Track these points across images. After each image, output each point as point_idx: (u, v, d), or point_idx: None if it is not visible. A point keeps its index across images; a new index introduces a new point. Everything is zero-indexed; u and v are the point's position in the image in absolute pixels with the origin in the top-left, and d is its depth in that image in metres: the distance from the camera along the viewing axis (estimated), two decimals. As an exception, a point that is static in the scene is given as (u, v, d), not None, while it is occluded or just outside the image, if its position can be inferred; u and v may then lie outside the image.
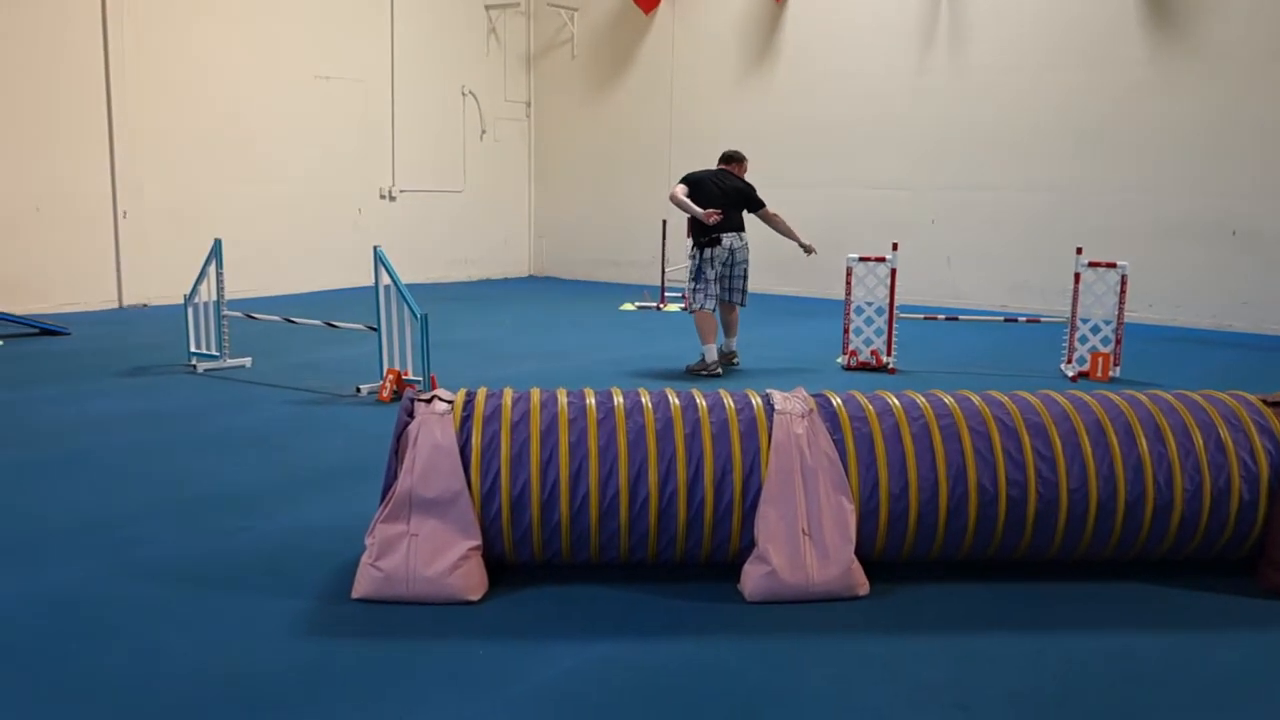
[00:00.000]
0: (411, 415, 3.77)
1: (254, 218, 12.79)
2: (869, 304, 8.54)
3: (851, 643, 3.40)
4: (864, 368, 8.47)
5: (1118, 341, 8.16)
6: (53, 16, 10.97)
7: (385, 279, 6.92)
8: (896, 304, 8.45)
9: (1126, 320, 8.30)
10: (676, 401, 3.91)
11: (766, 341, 9.80)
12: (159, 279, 11.81)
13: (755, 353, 9.00)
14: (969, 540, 3.85)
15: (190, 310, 8.07)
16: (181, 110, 12.13)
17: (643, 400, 3.90)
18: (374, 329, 7.14)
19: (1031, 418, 3.93)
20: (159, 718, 2.85)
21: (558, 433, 3.73)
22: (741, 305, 8.42)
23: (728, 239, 8.05)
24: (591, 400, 3.88)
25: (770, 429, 3.80)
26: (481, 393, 3.91)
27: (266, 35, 12.95)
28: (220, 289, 7.95)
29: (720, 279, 8.15)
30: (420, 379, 6.84)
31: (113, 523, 4.46)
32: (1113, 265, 8.24)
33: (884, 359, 8.43)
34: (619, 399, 3.90)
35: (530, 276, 17.00)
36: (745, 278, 8.32)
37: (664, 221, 13.05)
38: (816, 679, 3.15)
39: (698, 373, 8.12)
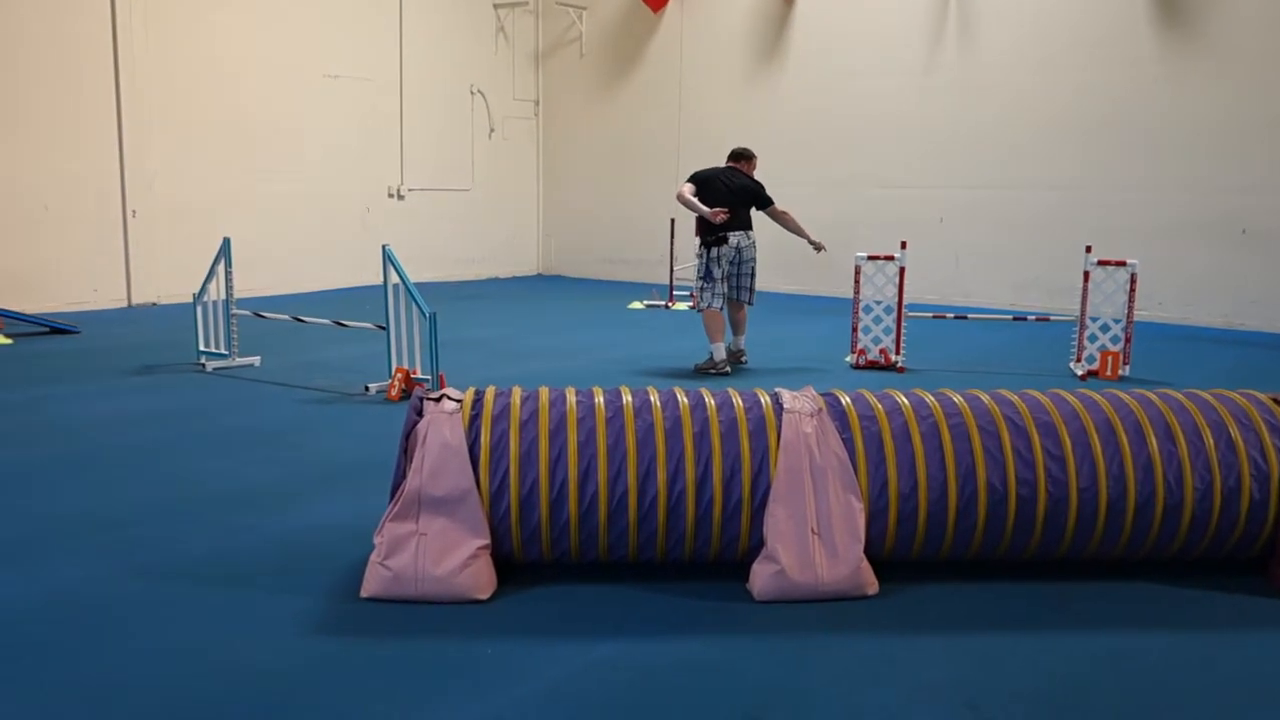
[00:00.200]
0: (420, 414, 3.77)
1: (263, 216, 12.82)
2: (878, 302, 8.53)
3: (860, 642, 3.39)
4: (873, 366, 8.45)
5: (1127, 340, 8.14)
6: (62, 15, 11.00)
7: (394, 278, 6.93)
8: (905, 302, 8.43)
9: (1136, 319, 8.27)
10: (685, 400, 3.91)
11: (775, 340, 9.79)
12: (168, 278, 11.85)
13: (763, 351, 8.99)
14: (978, 540, 3.85)
15: (199, 309, 8.08)
16: (191, 109, 12.16)
17: (651, 399, 3.90)
18: (383, 328, 7.15)
19: (1041, 417, 3.92)
20: (168, 716, 2.86)
21: (566, 431, 3.73)
22: (750, 304, 8.41)
23: (735, 238, 8.04)
24: (600, 399, 3.88)
25: (779, 428, 3.79)
26: (490, 391, 3.91)
27: (276, 34, 12.98)
28: (229, 288, 7.97)
29: (728, 277, 8.14)
30: (429, 378, 6.85)
31: (122, 521, 4.47)
32: (1122, 264, 8.22)
33: (893, 358, 8.41)
34: (627, 398, 3.90)
35: (538, 275, 17.01)
36: (753, 276, 8.31)
37: (672, 220, 13.06)
38: (825, 678, 3.14)
39: (706, 371, 8.11)
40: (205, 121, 12.31)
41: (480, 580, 3.63)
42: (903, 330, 8.42)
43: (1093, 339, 8.32)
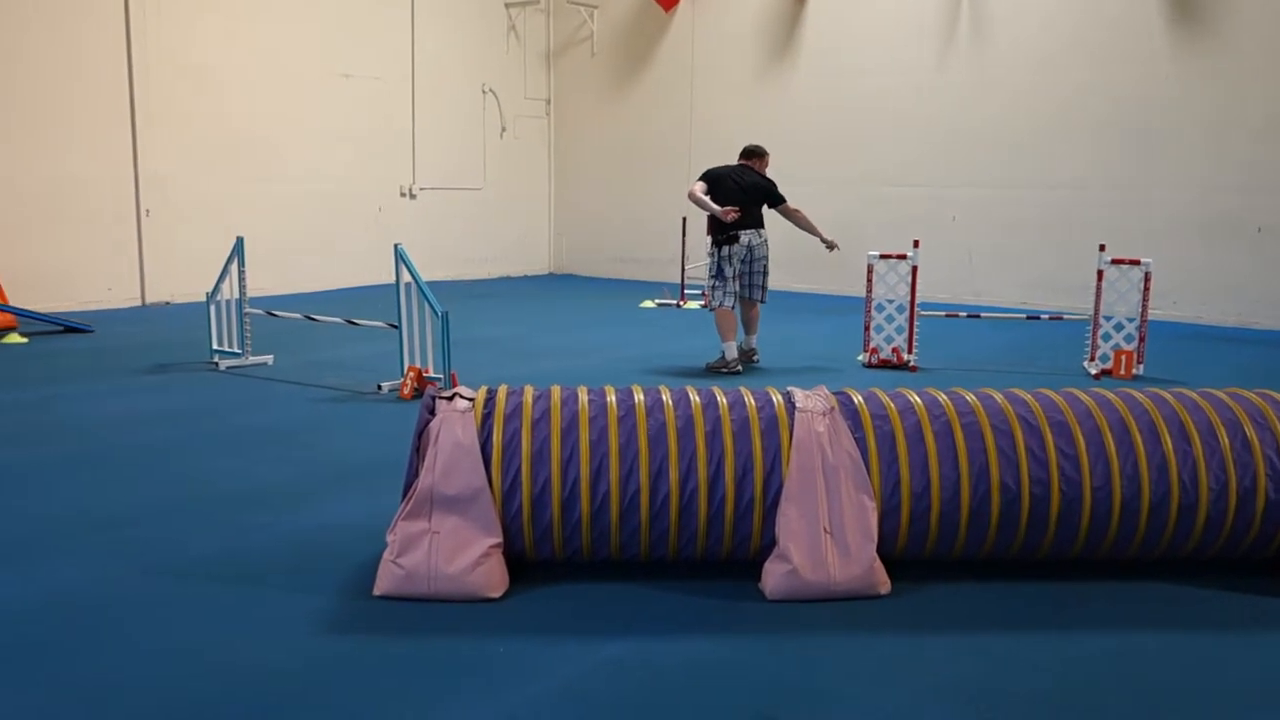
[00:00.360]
0: (433, 413, 3.77)
1: (276, 216, 12.87)
2: (890, 301, 8.51)
3: (873, 642, 3.39)
4: (885, 365, 8.44)
5: (1141, 339, 8.10)
6: (76, 17, 11.05)
7: (406, 276, 6.94)
8: (918, 301, 8.41)
9: (1150, 318, 8.24)
10: (697, 399, 3.90)
11: (787, 339, 9.78)
12: (181, 277, 11.89)
13: (776, 350, 8.98)
14: (991, 539, 3.83)
15: (212, 308, 8.11)
16: (204, 109, 12.20)
17: (663, 398, 3.90)
18: (395, 326, 7.16)
19: (1055, 416, 3.90)
20: (179, 715, 2.86)
21: (578, 430, 3.73)
22: (762, 302, 8.40)
23: (746, 236, 8.03)
24: (612, 398, 3.88)
25: (791, 427, 3.79)
26: (502, 390, 3.92)
27: (288, 34, 13.02)
28: (242, 287, 7.99)
29: (740, 276, 8.13)
30: (441, 376, 6.86)
31: (133, 520, 4.49)
32: (1136, 262, 8.19)
33: (905, 356, 8.39)
34: (640, 396, 3.90)
35: (550, 274, 17.03)
36: (765, 274, 8.30)
37: (684, 219, 13.06)
38: (837, 678, 3.14)
39: (718, 370, 8.10)
40: (218, 121, 12.35)
41: (492, 579, 3.64)
42: (915, 329, 8.39)
43: (1106, 338, 8.29)
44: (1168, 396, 4.05)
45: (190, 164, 12.12)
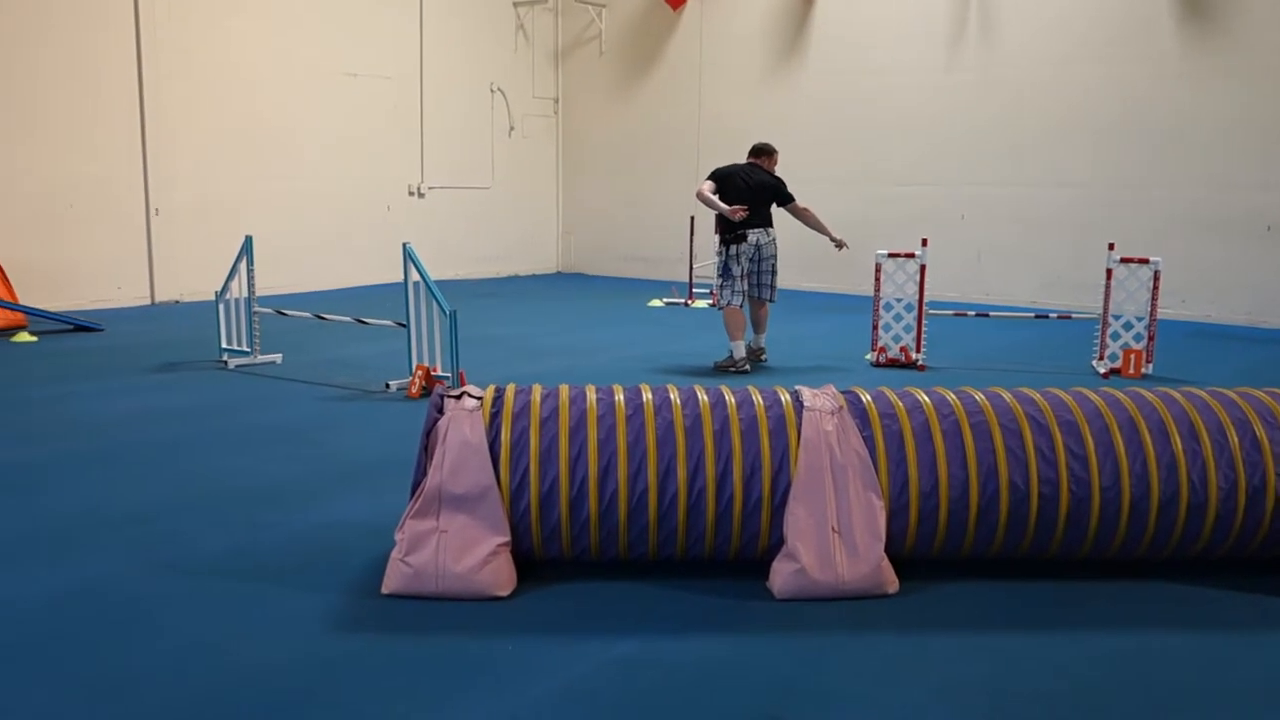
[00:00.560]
0: (441, 411, 3.78)
1: (284, 215, 12.89)
2: (898, 300, 8.50)
3: (881, 641, 3.38)
4: (893, 364, 8.42)
5: (1150, 338, 8.08)
6: (86, 17, 11.08)
7: (414, 275, 6.95)
8: (926, 300, 8.40)
9: (1159, 316, 8.21)
10: (705, 398, 3.90)
11: (795, 338, 9.77)
12: (191, 275, 11.93)
13: (784, 349, 8.97)
14: (1000, 538, 3.83)
15: (221, 307, 8.13)
16: (212, 108, 12.23)
17: (671, 397, 3.90)
18: (403, 325, 7.17)
19: (1064, 415, 3.89)
20: (189, 711, 2.88)
21: (586, 429, 3.73)
22: (771, 301, 8.39)
23: (754, 235, 8.02)
24: (620, 397, 3.88)
25: (799, 426, 3.79)
26: (510, 389, 3.92)
27: (296, 33, 13.03)
28: (251, 285, 8.01)
29: (748, 275, 8.13)
30: (449, 375, 6.87)
31: (144, 517, 4.50)
32: (1145, 261, 8.16)
33: (913, 355, 8.38)
34: (647, 395, 3.90)
35: (558, 273, 17.03)
36: (774, 273, 8.29)
37: (691, 218, 13.06)
38: (846, 677, 3.14)
39: (726, 369, 8.10)
40: (227, 120, 12.38)
41: (500, 577, 3.64)
42: (923, 328, 8.38)
43: (1115, 337, 8.27)
44: (1177, 395, 4.04)
45: (199, 163, 12.15)
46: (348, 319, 8.11)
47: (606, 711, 2.91)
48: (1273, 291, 11.20)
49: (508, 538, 3.67)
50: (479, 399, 3.82)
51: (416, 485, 3.73)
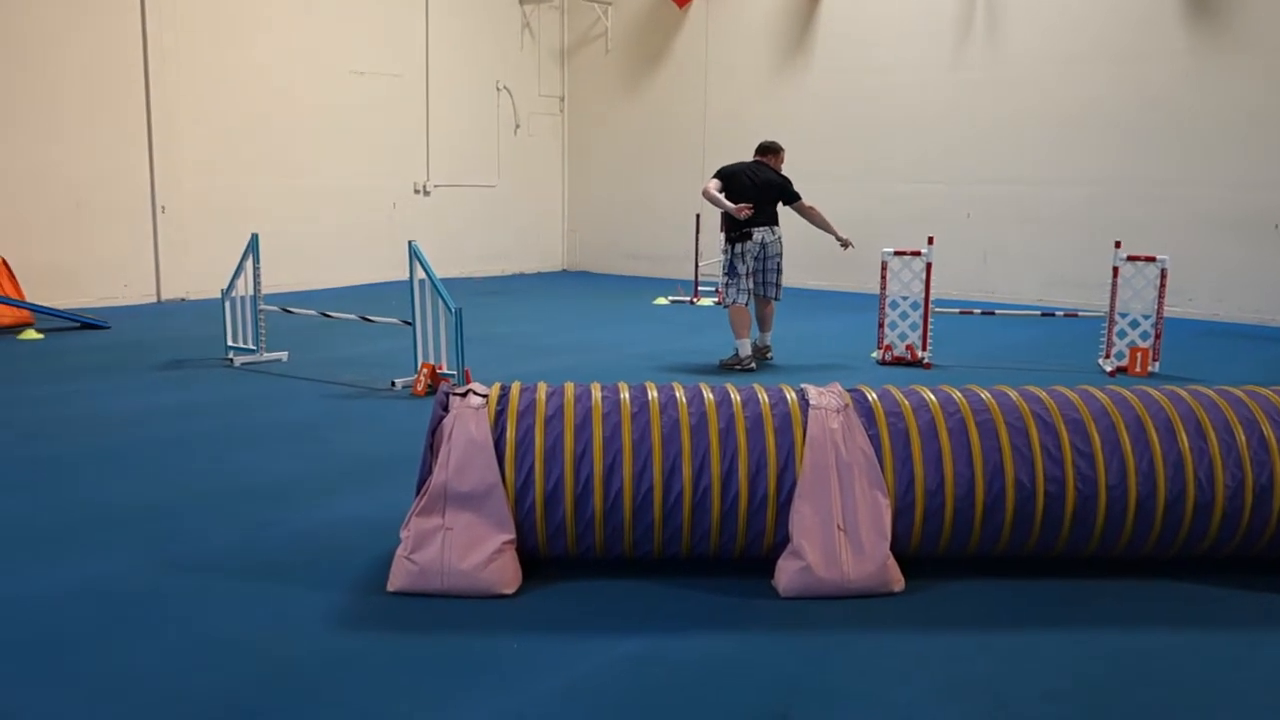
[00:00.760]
0: (446, 409, 3.78)
1: (290, 212, 12.89)
2: (904, 298, 8.49)
3: (886, 639, 3.38)
4: (899, 362, 8.41)
5: (1157, 336, 8.06)
6: (93, 15, 11.09)
7: (420, 273, 6.95)
8: (932, 298, 8.39)
9: (1166, 315, 8.19)
10: (711, 396, 3.90)
11: (801, 336, 9.76)
12: (197, 273, 11.94)
13: (789, 347, 8.97)
14: (1006, 537, 3.82)
15: (227, 304, 8.14)
16: (219, 106, 12.24)
17: (677, 395, 3.90)
18: (409, 323, 7.18)
19: (1070, 413, 3.88)
20: (195, 708, 2.88)
21: (592, 427, 3.73)
22: (776, 299, 8.39)
23: (759, 233, 8.02)
24: (625, 395, 3.88)
25: (805, 424, 3.78)
26: (516, 387, 3.92)
27: (302, 31, 13.04)
28: (257, 283, 8.02)
29: (753, 273, 8.12)
30: (455, 373, 6.87)
31: (150, 515, 4.51)
32: (1152, 259, 8.15)
33: (919, 354, 8.37)
34: (653, 393, 3.90)
35: (563, 271, 17.03)
36: (779, 271, 8.28)
37: (697, 215, 13.05)
38: (851, 675, 3.13)
39: (731, 367, 8.10)
40: (233, 118, 12.39)
41: (505, 575, 3.64)
42: (929, 326, 8.37)
43: (1122, 335, 8.25)
44: (1183, 394, 4.03)
45: (205, 161, 12.15)
46: (353, 317, 8.12)
47: (611, 709, 2.91)
48: (1280, 290, 11.18)
49: (513, 535, 3.67)
50: (484, 397, 3.82)
51: (422, 483, 3.74)
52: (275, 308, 8.26)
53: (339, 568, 3.89)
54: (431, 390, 6.92)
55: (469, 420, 3.71)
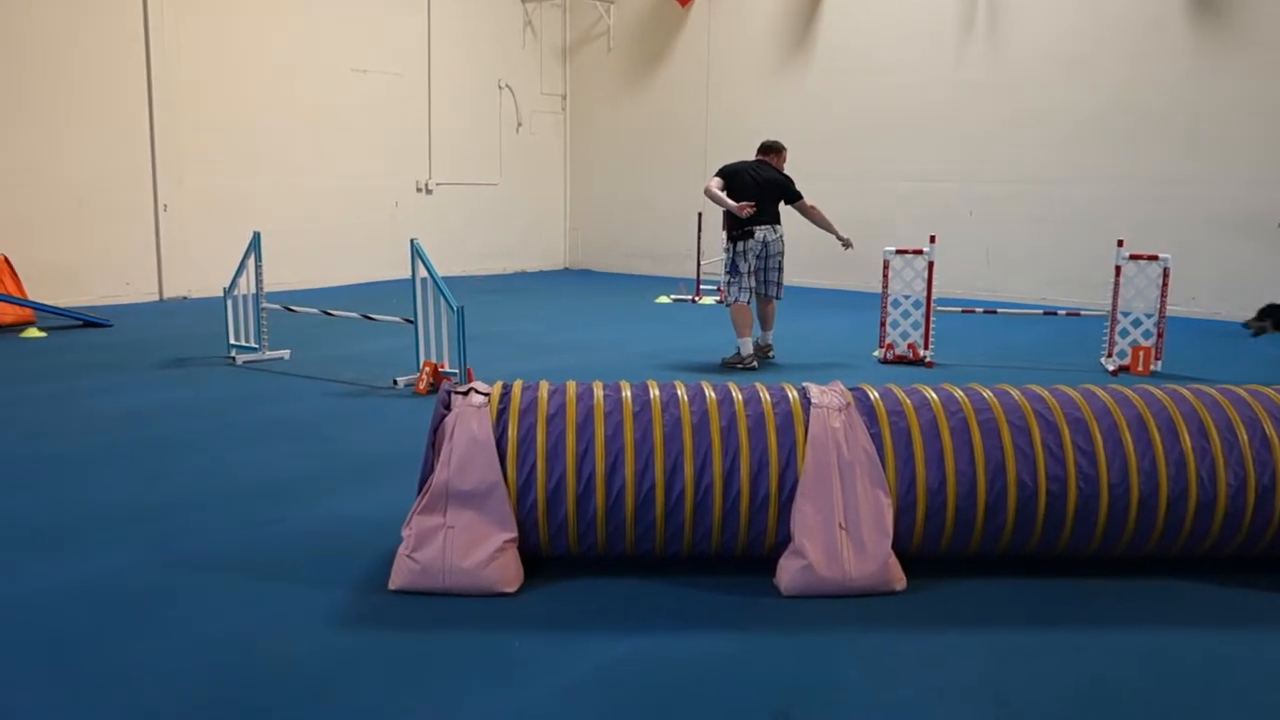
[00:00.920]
0: (448, 407, 3.78)
1: (292, 211, 12.91)
2: (906, 297, 8.49)
3: (888, 638, 3.38)
4: (901, 361, 8.41)
5: (1159, 335, 8.06)
6: (95, 13, 11.09)
7: (422, 271, 6.95)
8: (934, 297, 8.38)
9: (1168, 314, 8.19)
10: (712, 395, 3.90)
11: (802, 335, 9.76)
12: (199, 272, 11.95)
13: (791, 346, 8.96)
14: (1008, 536, 3.82)
15: (230, 303, 8.14)
16: (221, 104, 12.25)
17: (679, 393, 3.89)
18: (411, 321, 7.18)
19: (1072, 412, 3.88)
20: (197, 706, 2.88)
21: (594, 425, 3.73)
22: (777, 298, 8.39)
23: (761, 232, 8.02)
24: (627, 393, 3.88)
25: (807, 423, 3.78)
26: (518, 385, 3.92)
27: (304, 29, 13.05)
28: (259, 282, 8.02)
29: (755, 272, 8.12)
30: (457, 371, 6.87)
31: (153, 513, 4.51)
32: (1154, 258, 8.14)
33: (921, 353, 8.37)
34: (655, 392, 3.89)
35: (565, 269, 17.03)
36: (780, 270, 8.28)
37: (699, 214, 13.04)
38: (852, 674, 3.13)
39: (733, 366, 8.10)
40: (235, 117, 12.39)
41: (507, 573, 3.64)
42: (931, 325, 8.37)
43: (1124, 334, 8.24)
44: (1186, 393, 4.03)
45: (207, 159, 12.16)
46: (355, 315, 8.13)
47: (613, 708, 2.91)
48: (1283, 289, 11.15)
49: (514, 534, 3.67)
50: (486, 395, 3.82)
51: (424, 481, 3.74)
52: (277, 306, 8.27)
53: (341, 566, 3.89)
54: (433, 389, 6.92)
55: (471, 419, 3.71)
